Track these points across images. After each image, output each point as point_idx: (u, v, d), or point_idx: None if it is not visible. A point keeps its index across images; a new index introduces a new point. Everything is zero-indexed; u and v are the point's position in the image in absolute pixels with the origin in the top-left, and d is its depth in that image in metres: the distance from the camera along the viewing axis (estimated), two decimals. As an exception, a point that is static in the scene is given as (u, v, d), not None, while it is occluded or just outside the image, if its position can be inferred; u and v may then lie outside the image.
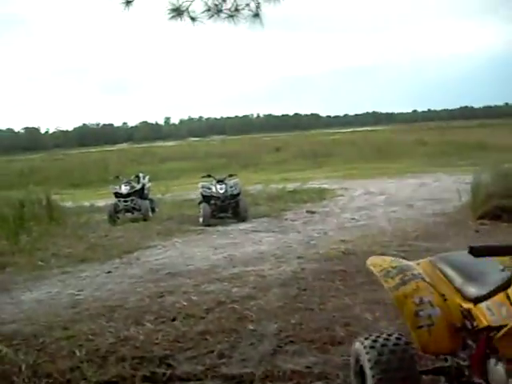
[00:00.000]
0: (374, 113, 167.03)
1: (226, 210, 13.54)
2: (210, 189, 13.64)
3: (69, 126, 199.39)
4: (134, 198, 14.38)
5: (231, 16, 7.44)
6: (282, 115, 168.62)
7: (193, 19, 7.37)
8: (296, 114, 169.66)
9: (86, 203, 18.91)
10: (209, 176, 14.16)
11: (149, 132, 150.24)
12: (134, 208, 14.42)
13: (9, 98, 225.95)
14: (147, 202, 14.61)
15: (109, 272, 8.87)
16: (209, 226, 12.94)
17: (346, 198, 16.92)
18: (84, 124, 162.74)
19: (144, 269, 8.94)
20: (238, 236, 11.60)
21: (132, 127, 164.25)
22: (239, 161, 36.12)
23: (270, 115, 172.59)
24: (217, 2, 7.40)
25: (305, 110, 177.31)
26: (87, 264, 9.61)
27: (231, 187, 13.63)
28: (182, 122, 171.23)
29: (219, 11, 7.41)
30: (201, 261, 9.29)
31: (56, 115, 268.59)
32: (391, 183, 19.85)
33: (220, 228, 12.71)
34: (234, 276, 7.88)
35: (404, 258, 4.13)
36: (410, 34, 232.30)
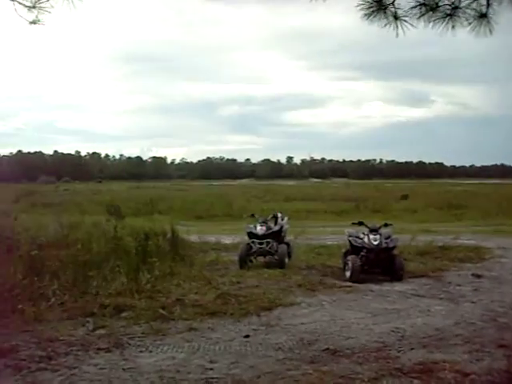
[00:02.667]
0: (502, 165, 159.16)
1: (378, 265, 11.35)
2: (360, 238, 11.52)
3: (193, 159, 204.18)
4: (270, 240, 12.54)
5: (449, 15, 5.44)
6: (406, 162, 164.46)
7: (396, 18, 5.44)
8: (420, 161, 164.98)
9: (212, 238, 17.26)
10: (360, 223, 11.96)
11: (270, 170, 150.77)
12: (269, 252, 12.56)
13: (139, 128, 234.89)
14: (285, 246, 12.67)
15: (247, 336, 6.98)
16: (357, 282, 10.84)
17: (510, 261, 14.29)
18: (208, 157, 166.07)
19: (291, 337, 6.96)
20: (398, 300, 9.40)
21: (254, 164, 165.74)
22: (368, 206, 33.92)
23: (392, 161, 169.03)
24: (434, -4, 5.43)
25: (429, 159, 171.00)
26: (218, 320, 7.79)
27: (386, 239, 11.48)
28: (303, 162, 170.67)
29: (433, 8, 5.44)
30: (362, 333, 7.22)
31: (182, 147, 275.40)
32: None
33: (373, 286, 10.53)
34: (422, 368, 5.71)
35: None
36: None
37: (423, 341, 6.87)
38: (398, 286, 10.56)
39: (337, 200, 39.39)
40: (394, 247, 11.52)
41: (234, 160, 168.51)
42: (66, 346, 6.41)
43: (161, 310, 8.05)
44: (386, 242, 11.37)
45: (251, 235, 12.72)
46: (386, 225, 11.89)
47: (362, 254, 11.30)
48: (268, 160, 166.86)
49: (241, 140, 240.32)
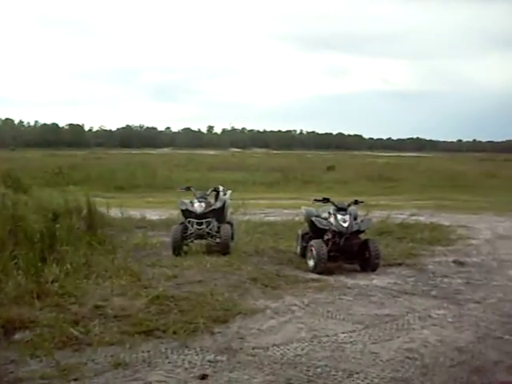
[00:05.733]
0: (417, 139, 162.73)
1: (348, 251, 9.19)
2: (325, 219, 9.29)
3: (112, 126, 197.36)
4: (210, 219, 10.22)
5: None
6: (326, 133, 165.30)
7: None
8: (339, 133, 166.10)
9: (135, 213, 14.70)
10: (326, 200, 9.66)
11: (191, 139, 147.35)
12: (209, 234, 10.24)
13: (56, 94, 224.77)
14: (228, 226, 10.33)
15: (203, 378, 4.67)
16: (323, 273, 8.69)
17: (481, 242, 12.53)
18: (127, 125, 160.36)
19: (269, 376, 4.69)
20: (385, 301, 7.31)
21: (175, 133, 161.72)
22: (297, 177, 32.00)
23: (313, 132, 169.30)
24: None
25: (348, 131, 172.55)
26: (157, 343, 5.42)
27: (355, 219, 9.33)
28: (224, 131, 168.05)
29: None
30: (366, 361, 5.07)
31: (100, 114, 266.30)
32: (508, 222, 15.79)
33: (346, 281, 8.38)
34: None
35: None
36: (457, 63, 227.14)
37: (457, 375, 4.78)
38: (376, 280, 8.49)
39: (262, 170, 37.20)
40: (364, 230, 9.43)
41: (154, 128, 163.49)
42: None
43: (72, 330, 5.61)
44: (358, 224, 9.24)
45: (187, 213, 10.33)
46: (356, 202, 9.70)
47: (328, 238, 9.13)
48: (188, 129, 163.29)
49: (161, 108, 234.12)
